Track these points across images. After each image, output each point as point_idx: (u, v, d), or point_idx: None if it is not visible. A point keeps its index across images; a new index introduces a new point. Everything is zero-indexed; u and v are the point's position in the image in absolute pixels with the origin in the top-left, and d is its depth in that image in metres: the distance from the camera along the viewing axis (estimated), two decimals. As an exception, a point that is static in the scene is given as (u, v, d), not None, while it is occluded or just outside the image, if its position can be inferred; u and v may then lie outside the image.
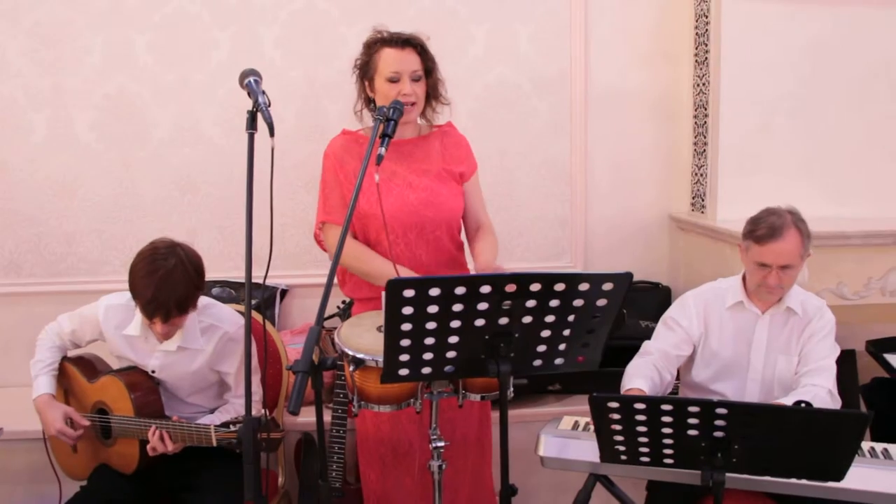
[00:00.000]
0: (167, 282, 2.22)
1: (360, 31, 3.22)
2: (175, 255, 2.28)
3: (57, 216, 3.39)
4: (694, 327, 2.51)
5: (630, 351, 2.78)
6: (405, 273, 2.33)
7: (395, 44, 2.38)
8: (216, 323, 2.46)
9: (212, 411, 2.53)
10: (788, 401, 2.32)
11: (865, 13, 3.20)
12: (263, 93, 1.85)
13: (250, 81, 1.87)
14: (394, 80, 2.35)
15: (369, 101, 2.47)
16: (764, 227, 2.34)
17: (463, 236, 2.60)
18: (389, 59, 2.36)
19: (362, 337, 2.07)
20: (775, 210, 2.39)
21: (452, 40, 3.33)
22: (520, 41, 3.42)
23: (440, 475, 2.13)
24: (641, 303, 3.41)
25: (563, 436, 2.24)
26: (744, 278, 2.48)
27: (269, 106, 1.83)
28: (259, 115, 1.83)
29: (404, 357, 1.81)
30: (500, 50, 3.42)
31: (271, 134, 1.79)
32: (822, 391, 2.33)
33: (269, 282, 2.65)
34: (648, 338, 2.62)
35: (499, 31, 3.41)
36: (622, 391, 2.38)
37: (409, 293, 1.69)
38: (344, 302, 2.74)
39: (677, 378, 2.60)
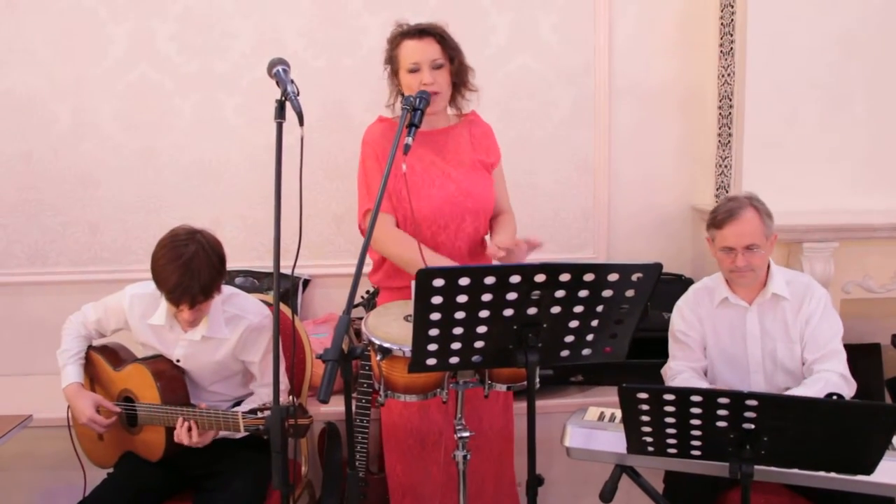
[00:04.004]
0: (190, 267, 2.23)
1: (382, 21, 3.25)
2: (195, 240, 2.28)
3: (81, 206, 3.42)
4: (698, 332, 2.54)
5: (652, 343, 2.78)
6: (431, 257, 2.33)
7: (413, 35, 2.39)
8: (240, 313, 2.47)
9: (236, 403, 2.53)
10: (802, 391, 2.32)
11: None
12: (292, 82, 1.84)
13: (279, 70, 1.86)
14: (414, 71, 2.36)
15: (400, 95, 2.47)
16: (722, 212, 2.41)
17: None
18: (409, 51, 2.38)
19: (390, 326, 2.07)
20: (733, 196, 2.48)
21: (475, 30, 3.32)
22: (543, 31, 3.40)
23: (465, 465, 2.14)
24: (664, 294, 3.35)
25: (588, 426, 2.24)
26: None
27: (298, 95, 1.83)
28: (288, 105, 1.82)
29: (432, 347, 1.81)
30: (523, 40, 3.40)
31: (301, 123, 1.78)
32: (833, 376, 2.35)
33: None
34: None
35: (522, 21, 3.39)
36: None
37: (438, 282, 1.69)
38: (368, 292, 2.75)
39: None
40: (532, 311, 1.80)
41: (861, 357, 2.54)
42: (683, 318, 2.57)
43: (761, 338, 2.48)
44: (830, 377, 2.34)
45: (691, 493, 2.37)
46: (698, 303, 2.56)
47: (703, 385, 2.43)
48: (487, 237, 2.54)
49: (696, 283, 2.65)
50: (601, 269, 1.77)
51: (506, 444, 2.61)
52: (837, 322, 2.46)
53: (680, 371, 2.53)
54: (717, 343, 2.53)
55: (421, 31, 2.39)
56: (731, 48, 3.27)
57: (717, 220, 2.41)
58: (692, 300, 2.58)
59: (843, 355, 2.42)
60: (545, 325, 1.83)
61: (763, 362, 2.48)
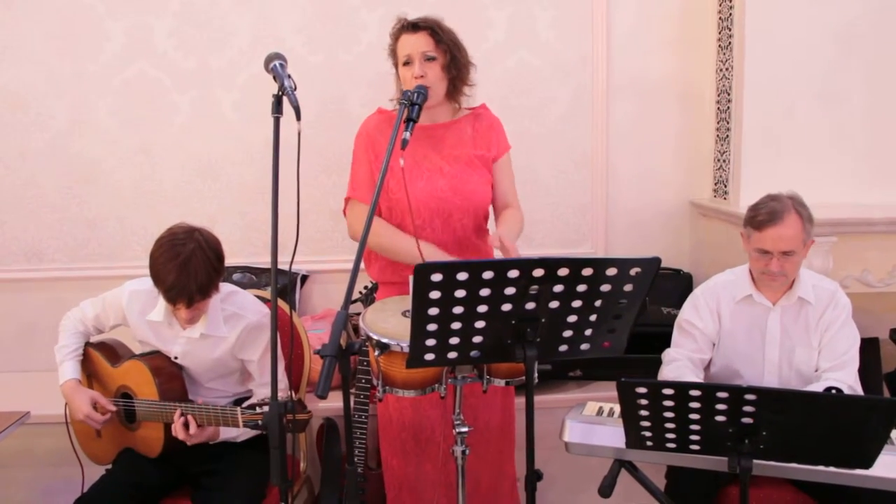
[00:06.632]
0: (187, 267, 2.22)
1: (380, 17, 3.26)
2: (194, 239, 2.27)
3: (78, 202, 3.42)
4: (710, 326, 2.49)
5: (651, 338, 2.78)
6: (428, 250, 2.32)
7: (407, 29, 2.39)
8: (239, 311, 2.46)
9: (236, 402, 2.53)
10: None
11: (894, -6, 3.15)
12: (289, 76, 1.83)
13: (276, 65, 1.85)
14: (408, 64, 2.36)
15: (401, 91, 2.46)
16: (764, 213, 2.31)
17: (490, 224, 2.58)
18: (403, 45, 2.38)
19: (387, 322, 2.07)
20: (776, 196, 2.36)
21: (473, 25, 3.31)
22: (541, 26, 3.39)
23: (463, 461, 2.14)
24: (663, 289, 3.39)
25: (587, 421, 2.23)
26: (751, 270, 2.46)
27: (295, 90, 1.82)
28: (285, 99, 1.81)
29: (431, 342, 1.81)
30: (521, 35, 3.39)
31: (298, 118, 1.77)
32: (841, 387, 2.30)
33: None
34: (669, 325, 2.60)
35: (519, 16, 3.38)
36: None
37: (436, 277, 1.68)
38: (366, 287, 2.74)
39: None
40: (530, 305, 1.79)
41: (860, 351, 2.54)
42: (697, 310, 2.50)
43: (781, 340, 2.43)
44: (838, 386, 2.30)
45: (693, 487, 2.36)
46: (718, 297, 2.48)
47: (694, 378, 2.39)
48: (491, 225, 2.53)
49: (719, 274, 2.56)
50: (599, 264, 1.76)
51: (505, 440, 2.60)
52: (855, 333, 2.42)
53: (676, 359, 2.49)
54: (733, 341, 2.47)
55: (414, 25, 2.38)
56: (730, 42, 3.26)
57: (757, 220, 2.32)
58: (711, 293, 2.50)
59: (856, 366, 2.38)
60: (543, 320, 1.82)
61: (780, 365, 2.44)
